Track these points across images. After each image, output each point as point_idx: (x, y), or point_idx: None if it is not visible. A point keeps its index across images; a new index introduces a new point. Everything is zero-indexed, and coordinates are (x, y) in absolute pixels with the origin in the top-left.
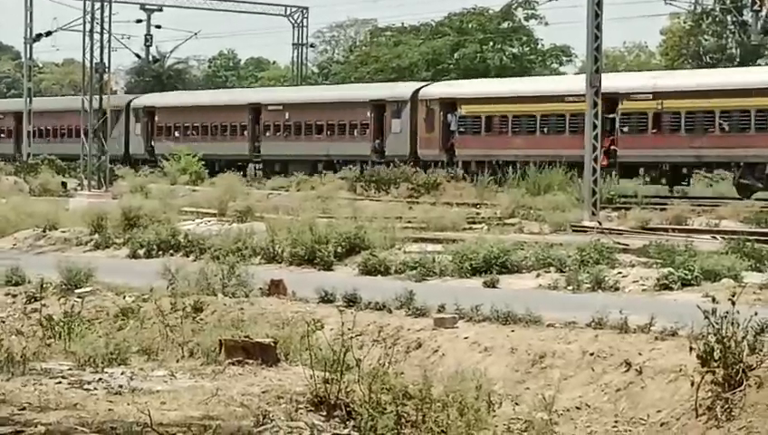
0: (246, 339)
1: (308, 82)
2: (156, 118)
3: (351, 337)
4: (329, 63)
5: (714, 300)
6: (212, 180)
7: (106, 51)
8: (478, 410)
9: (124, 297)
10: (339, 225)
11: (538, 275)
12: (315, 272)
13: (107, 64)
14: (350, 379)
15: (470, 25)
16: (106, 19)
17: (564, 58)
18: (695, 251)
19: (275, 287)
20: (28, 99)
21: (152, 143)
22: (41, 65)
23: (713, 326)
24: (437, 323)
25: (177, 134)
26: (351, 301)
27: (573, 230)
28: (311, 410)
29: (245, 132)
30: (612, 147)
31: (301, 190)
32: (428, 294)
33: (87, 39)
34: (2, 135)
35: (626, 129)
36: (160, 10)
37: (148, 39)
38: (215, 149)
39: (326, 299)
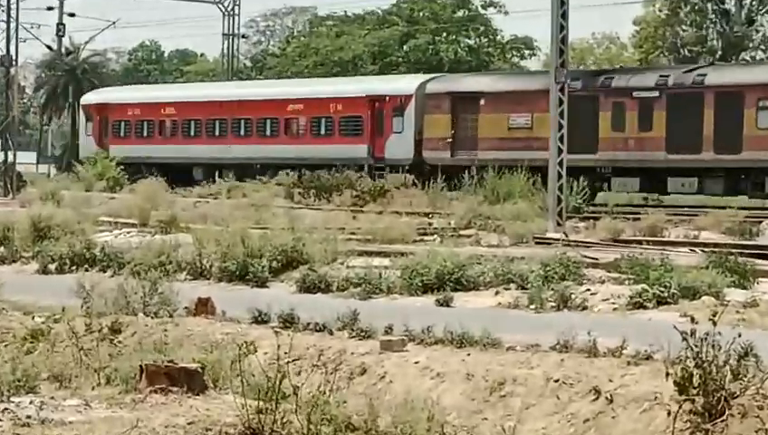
0: (170, 364)
1: (239, 77)
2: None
3: (288, 362)
4: (263, 56)
5: (692, 320)
6: (132, 187)
7: (13, 42)
8: None
9: (33, 317)
10: (274, 236)
11: (497, 293)
12: (248, 289)
13: (14, 57)
14: (287, 408)
15: (421, 14)
16: (13, 5)
17: (526, 51)
18: (671, 265)
19: (203, 306)
20: None
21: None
22: None
23: (691, 349)
24: (384, 347)
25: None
26: (288, 321)
27: (536, 242)
28: None
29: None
30: None
31: (231, 198)
32: (374, 314)
33: None
34: None
35: None
36: None
37: (61, 28)
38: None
39: (260, 319)
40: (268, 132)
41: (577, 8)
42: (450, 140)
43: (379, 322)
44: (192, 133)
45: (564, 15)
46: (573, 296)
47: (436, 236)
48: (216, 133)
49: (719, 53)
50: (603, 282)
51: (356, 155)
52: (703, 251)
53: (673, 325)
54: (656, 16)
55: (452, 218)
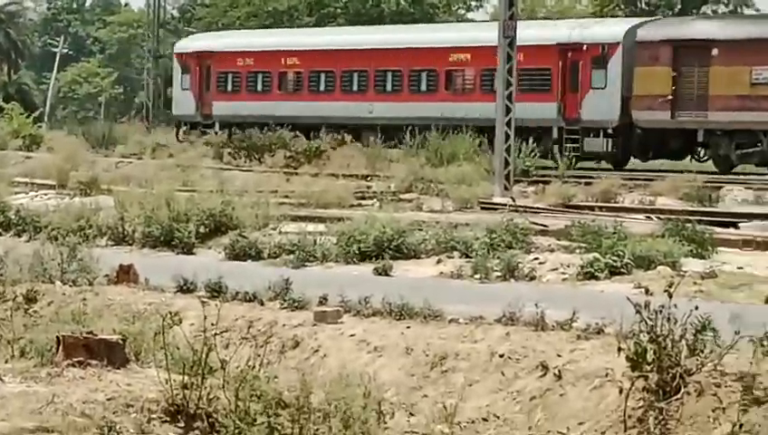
0: (89, 335)
1: (166, 29)
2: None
3: (215, 334)
4: (191, 6)
5: (647, 291)
6: (50, 145)
7: None
8: (366, 422)
9: None
10: (202, 199)
11: (439, 261)
12: (173, 255)
13: None
14: (214, 383)
15: None
16: None
17: (473, 2)
18: (625, 233)
19: (125, 274)
20: None
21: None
22: None
23: (645, 323)
24: (318, 318)
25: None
26: (216, 290)
27: (482, 208)
28: (166, 421)
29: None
30: None
31: (156, 158)
32: (308, 284)
33: None
34: None
35: None
36: None
37: None
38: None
39: (185, 288)
40: (423, 87)
41: None
42: (670, 97)
43: (313, 291)
44: (322, 88)
45: None
46: (520, 266)
47: (374, 200)
48: (354, 88)
49: (678, 6)
50: (553, 250)
51: (541, 115)
52: (659, 218)
53: (626, 297)
54: None
55: (392, 182)
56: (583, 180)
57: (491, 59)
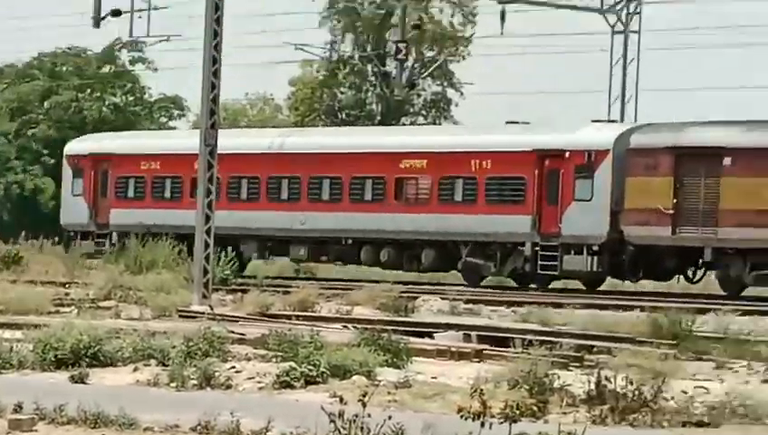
0: None
1: None
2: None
3: None
4: None
5: (342, 400)
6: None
7: None
8: None
9: None
10: None
11: (136, 369)
12: None
13: None
14: None
15: (65, 69)
16: None
17: (176, 111)
18: (322, 343)
19: None
20: None
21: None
22: None
23: (339, 432)
24: (13, 426)
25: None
26: None
27: (180, 316)
28: None
29: None
30: None
31: None
32: (3, 391)
33: None
34: None
35: None
36: None
37: None
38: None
39: None
40: (368, 196)
41: (230, 66)
42: (671, 211)
43: (8, 399)
44: (244, 196)
45: (216, 74)
46: (217, 374)
47: (73, 307)
48: (284, 196)
49: (378, 117)
50: (250, 359)
51: (511, 229)
52: (355, 328)
53: (321, 406)
54: (313, 78)
55: (91, 289)
56: (282, 289)
57: (452, 166)
